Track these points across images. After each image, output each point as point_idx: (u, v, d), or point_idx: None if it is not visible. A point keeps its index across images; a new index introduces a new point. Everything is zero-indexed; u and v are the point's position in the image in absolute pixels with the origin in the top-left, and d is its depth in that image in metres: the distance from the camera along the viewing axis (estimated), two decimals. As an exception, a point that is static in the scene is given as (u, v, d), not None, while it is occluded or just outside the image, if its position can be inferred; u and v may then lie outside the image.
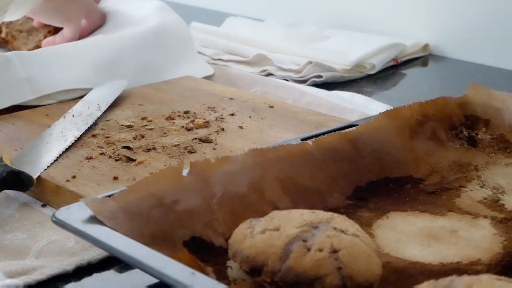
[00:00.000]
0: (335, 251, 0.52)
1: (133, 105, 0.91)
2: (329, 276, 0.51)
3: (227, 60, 1.16)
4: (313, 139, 0.68)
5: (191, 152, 0.77)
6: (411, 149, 0.73)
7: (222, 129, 0.84)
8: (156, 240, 0.55)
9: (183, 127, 0.84)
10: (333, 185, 0.67)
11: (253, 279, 0.53)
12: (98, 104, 0.88)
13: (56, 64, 0.95)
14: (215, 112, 0.89)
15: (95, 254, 0.61)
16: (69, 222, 0.56)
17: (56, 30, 1.10)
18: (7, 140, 0.81)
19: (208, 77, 1.06)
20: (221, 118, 0.87)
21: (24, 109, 0.91)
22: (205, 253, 0.56)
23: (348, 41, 1.22)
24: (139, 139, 0.80)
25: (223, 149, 0.78)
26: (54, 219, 0.57)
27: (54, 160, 0.74)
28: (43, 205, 0.70)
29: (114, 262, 0.61)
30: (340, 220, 0.55)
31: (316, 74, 1.10)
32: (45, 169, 0.72)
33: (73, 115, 0.85)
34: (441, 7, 1.26)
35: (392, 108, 0.75)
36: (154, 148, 0.78)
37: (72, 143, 0.78)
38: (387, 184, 0.69)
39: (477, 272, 0.56)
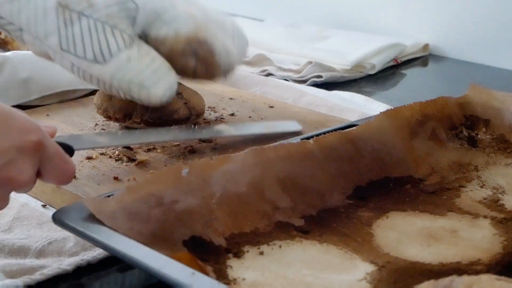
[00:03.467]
0: (180, 93, 0.81)
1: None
2: (180, 108, 0.80)
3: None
4: (313, 138, 0.68)
5: (191, 152, 0.77)
6: (411, 149, 0.73)
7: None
8: (156, 240, 0.55)
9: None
10: (333, 184, 0.67)
11: (123, 123, 0.81)
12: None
13: (56, 64, 0.95)
14: (215, 112, 0.89)
15: (95, 254, 0.61)
16: (69, 222, 0.56)
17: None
18: (7, 140, 0.81)
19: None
20: (221, 118, 0.87)
21: (25, 109, 0.91)
22: (205, 252, 0.56)
23: (348, 41, 1.22)
24: (139, 139, 0.80)
25: (223, 149, 0.78)
26: (54, 218, 0.57)
27: (54, 160, 0.74)
28: (43, 205, 0.70)
29: (114, 262, 0.61)
30: None
31: (316, 74, 1.10)
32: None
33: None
34: (441, 7, 1.26)
35: (392, 108, 0.75)
36: (154, 148, 0.78)
37: (72, 143, 0.78)
38: (387, 184, 0.69)
39: (477, 272, 0.56)
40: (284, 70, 1.13)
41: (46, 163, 0.58)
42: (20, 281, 0.57)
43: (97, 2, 0.75)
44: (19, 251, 0.62)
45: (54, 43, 0.75)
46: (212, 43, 0.78)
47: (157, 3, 0.78)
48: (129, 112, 0.80)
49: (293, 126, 0.84)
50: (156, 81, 0.75)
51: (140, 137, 0.76)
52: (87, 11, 0.74)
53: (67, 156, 0.60)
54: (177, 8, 0.78)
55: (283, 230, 0.61)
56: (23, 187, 0.57)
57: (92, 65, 0.74)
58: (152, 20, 0.77)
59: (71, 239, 0.63)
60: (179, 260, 0.51)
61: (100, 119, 0.85)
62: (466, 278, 0.46)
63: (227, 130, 0.81)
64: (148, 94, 0.75)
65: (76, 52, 0.75)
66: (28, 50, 0.83)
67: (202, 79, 0.81)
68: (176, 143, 0.79)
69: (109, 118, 0.82)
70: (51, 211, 0.67)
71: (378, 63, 1.16)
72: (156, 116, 0.80)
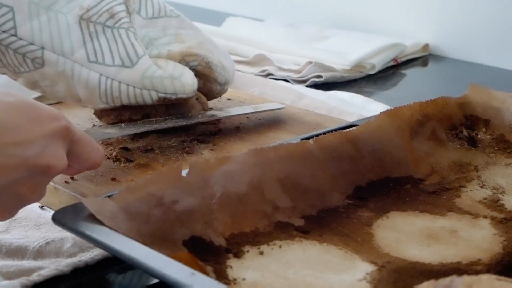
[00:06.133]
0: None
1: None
2: (195, 104, 0.81)
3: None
4: (313, 138, 0.68)
5: (189, 153, 0.77)
6: (411, 149, 0.73)
7: (220, 130, 0.83)
8: (156, 240, 0.55)
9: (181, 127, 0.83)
10: (333, 184, 0.67)
11: None
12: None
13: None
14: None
15: (92, 255, 0.61)
16: (69, 222, 0.56)
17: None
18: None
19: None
20: (219, 119, 0.87)
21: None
22: (205, 252, 0.56)
23: (348, 41, 1.22)
24: (137, 140, 0.80)
25: (221, 150, 0.78)
26: (54, 219, 0.57)
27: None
28: (41, 207, 0.70)
29: (112, 263, 0.61)
30: None
31: (316, 74, 1.10)
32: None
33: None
34: (441, 7, 1.26)
35: (392, 108, 0.75)
36: (152, 149, 0.77)
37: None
38: (387, 184, 0.69)
39: (477, 272, 0.56)
40: (284, 70, 1.13)
41: (76, 147, 0.59)
42: (18, 282, 0.57)
43: (117, 12, 0.78)
44: (17, 252, 0.62)
45: (81, 57, 0.76)
46: (208, 57, 0.80)
47: (150, 29, 0.81)
48: (148, 112, 0.80)
49: (277, 105, 0.89)
50: (181, 72, 0.78)
51: (143, 127, 0.77)
52: (110, 21, 0.77)
53: (91, 138, 0.61)
54: (169, 35, 0.82)
55: (283, 230, 0.61)
56: (58, 174, 0.57)
57: (121, 71, 0.76)
58: (144, 45, 0.80)
59: (69, 240, 0.63)
60: (179, 260, 0.51)
61: (97, 120, 0.85)
62: (466, 278, 0.46)
63: (218, 113, 0.84)
64: (181, 84, 0.77)
65: (104, 61, 0.76)
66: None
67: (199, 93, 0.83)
68: (174, 144, 0.79)
69: (120, 121, 0.80)
70: (49, 213, 0.67)
71: (378, 63, 1.16)
72: (175, 113, 0.80)
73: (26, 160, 0.54)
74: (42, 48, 0.76)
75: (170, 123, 0.78)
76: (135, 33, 0.78)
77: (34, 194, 0.56)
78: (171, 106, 0.80)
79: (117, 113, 0.80)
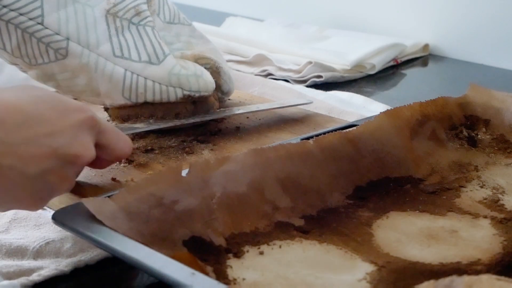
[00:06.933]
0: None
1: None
2: (215, 102, 0.82)
3: (227, 60, 1.17)
4: (313, 138, 0.68)
5: (189, 153, 0.77)
6: (411, 149, 0.73)
7: (220, 130, 0.83)
8: (156, 240, 0.55)
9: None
10: (333, 184, 0.67)
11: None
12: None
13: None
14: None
15: (92, 255, 0.61)
16: (69, 222, 0.56)
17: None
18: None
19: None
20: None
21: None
22: (205, 252, 0.56)
23: (348, 41, 1.22)
24: (137, 140, 0.80)
25: (221, 150, 0.78)
26: (54, 219, 0.57)
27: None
28: (42, 206, 0.70)
29: (114, 262, 0.61)
30: None
31: (316, 74, 1.10)
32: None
33: None
34: (441, 7, 1.26)
35: (392, 108, 0.75)
36: (152, 149, 0.77)
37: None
38: (387, 184, 0.69)
39: (477, 272, 0.56)
40: (284, 70, 1.13)
41: (103, 137, 0.61)
42: (18, 282, 0.57)
43: (143, 10, 0.79)
44: (17, 252, 0.62)
45: (107, 51, 0.77)
46: (219, 62, 0.82)
47: (166, 33, 0.82)
48: (178, 112, 0.81)
49: (303, 100, 0.90)
50: (201, 70, 0.80)
51: (171, 122, 0.79)
52: (135, 18, 0.78)
53: (117, 129, 0.63)
54: (182, 42, 0.83)
55: (283, 230, 0.61)
56: (86, 163, 0.59)
57: (147, 67, 0.77)
58: None
59: (69, 240, 0.63)
60: (179, 260, 0.51)
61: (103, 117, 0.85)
62: (466, 278, 0.46)
63: (242, 109, 0.86)
64: (205, 82, 0.79)
65: (130, 56, 0.77)
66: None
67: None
68: (173, 144, 0.79)
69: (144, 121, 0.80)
70: (48, 213, 0.67)
71: (378, 63, 1.16)
72: (202, 110, 0.82)
73: (56, 150, 0.56)
74: (67, 39, 0.76)
75: (197, 118, 0.80)
76: (158, 33, 0.79)
77: (64, 183, 0.58)
78: (198, 103, 0.81)
79: (148, 114, 0.80)
